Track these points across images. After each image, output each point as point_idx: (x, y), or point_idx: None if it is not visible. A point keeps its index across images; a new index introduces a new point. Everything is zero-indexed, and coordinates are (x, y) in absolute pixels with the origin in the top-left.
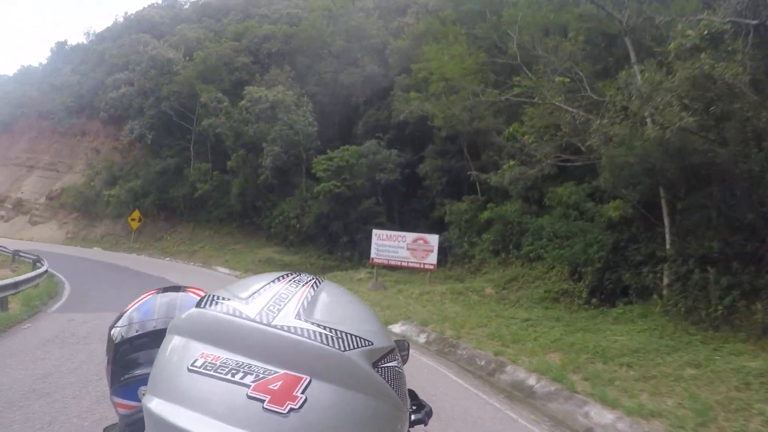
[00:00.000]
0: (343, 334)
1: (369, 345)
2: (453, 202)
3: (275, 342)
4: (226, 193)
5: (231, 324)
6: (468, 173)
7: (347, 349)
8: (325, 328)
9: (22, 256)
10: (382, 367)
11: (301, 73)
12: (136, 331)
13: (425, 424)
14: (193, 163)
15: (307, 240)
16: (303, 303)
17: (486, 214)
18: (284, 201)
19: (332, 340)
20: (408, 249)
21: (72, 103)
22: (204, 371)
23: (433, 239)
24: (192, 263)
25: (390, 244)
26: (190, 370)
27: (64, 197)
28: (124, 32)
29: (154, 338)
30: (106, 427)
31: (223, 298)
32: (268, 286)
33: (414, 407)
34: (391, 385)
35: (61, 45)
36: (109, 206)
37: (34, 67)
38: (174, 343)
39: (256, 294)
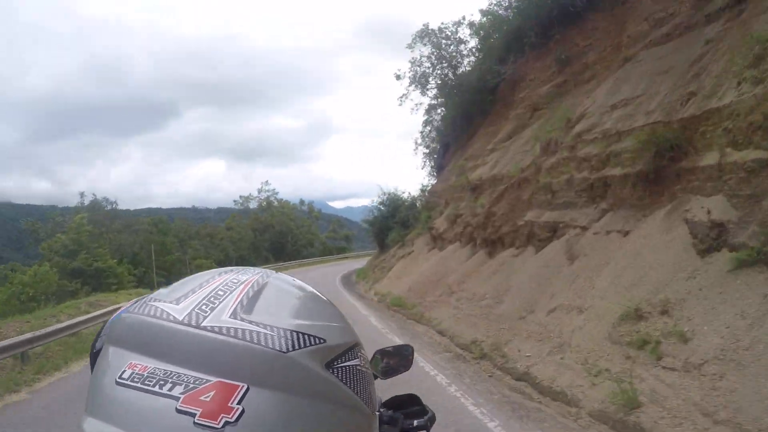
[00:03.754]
0: (288, 333)
1: (320, 343)
2: None
3: (205, 346)
4: None
5: (156, 328)
6: None
7: (291, 349)
8: (265, 326)
9: None
10: (338, 368)
11: None
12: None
13: (428, 430)
14: None
15: None
16: (242, 299)
17: None
18: None
19: (272, 339)
20: None
21: None
22: (131, 384)
23: None
24: None
25: None
26: (118, 383)
27: None
28: None
29: None
30: None
31: (155, 300)
32: (205, 283)
33: (412, 413)
34: (350, 386)
35: None
36: None
37: None
38: (105, 353)
39: (190, 293)
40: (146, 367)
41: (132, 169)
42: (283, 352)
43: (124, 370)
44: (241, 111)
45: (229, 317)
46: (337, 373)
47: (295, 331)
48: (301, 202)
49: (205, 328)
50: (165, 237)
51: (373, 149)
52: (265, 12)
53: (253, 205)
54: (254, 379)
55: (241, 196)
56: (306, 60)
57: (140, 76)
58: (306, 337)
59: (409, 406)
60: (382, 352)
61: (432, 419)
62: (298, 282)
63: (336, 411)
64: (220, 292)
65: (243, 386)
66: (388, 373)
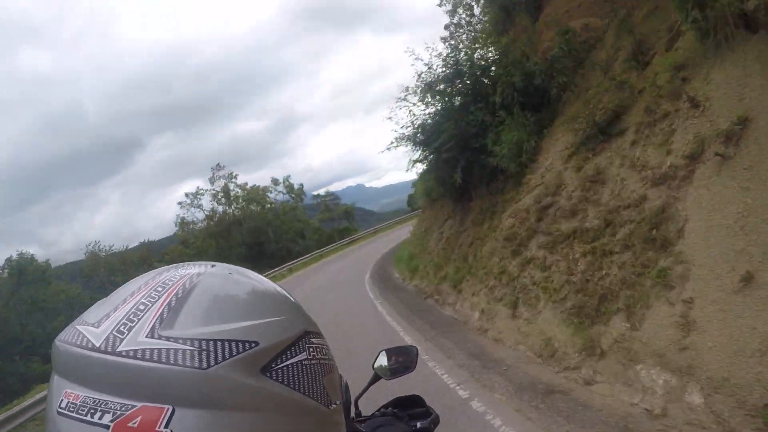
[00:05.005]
0: (210, 344)
1: (251, 347)
2: None
3: (123, 372)
4: None
5: (77, 356)
6: None
7: (213, 363)
8: (185, 341)
9: None
10: (277, 369)
11: None
12: None
13: None
14: None
15: None
16: (163, 312)
17: None
18: None
19: (191, 356)
20: None
21: None
22: (68, 413)
23: None
24: None
25: None
26: (58, 413)
27: None
28: None
29: None
30: None
31: (81, 323)
32: (130, 296)
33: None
34: (294, 386)
35: None
36: None
37: None
38: (51, 380)
39: (113, 311)
40: (78, 395)
41: (113, 212)
42: (203, 369)
43: (62, 399)
44: (205, 126)
45: (146, 337)
46: (276, 376)
47: (219, 341)
48: (275, 181)
49: (120, 354)
50: (45, 287)
51: (342, 127)
52: (205, 22)
53: (207, 202)
54: (177, 400)
55: (187, 194)
56: (255, 59)
57: (96, 119)
58: (233, 344)
59: (413, 406)
60: (389, 351)
61: (436, 421)
62: (240, 272)
63: (277, 419)
64: (142, 306)
65: (168, 408)
66: (395, 372)
